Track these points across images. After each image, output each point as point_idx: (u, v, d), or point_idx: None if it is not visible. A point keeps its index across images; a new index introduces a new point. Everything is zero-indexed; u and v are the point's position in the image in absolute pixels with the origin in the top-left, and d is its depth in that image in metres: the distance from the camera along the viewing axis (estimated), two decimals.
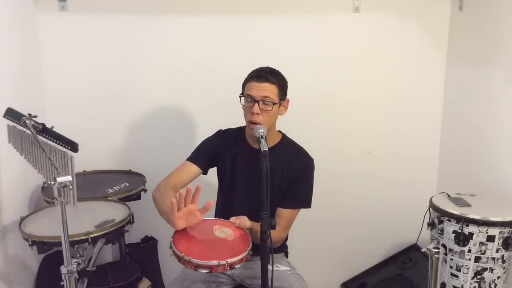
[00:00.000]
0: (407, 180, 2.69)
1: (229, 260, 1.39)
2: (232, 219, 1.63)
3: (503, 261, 1.86)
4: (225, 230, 1.58)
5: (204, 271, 1.39)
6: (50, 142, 1.46)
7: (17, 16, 2.06)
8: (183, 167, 1.83)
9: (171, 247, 1.47)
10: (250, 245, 1.49)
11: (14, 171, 1.95)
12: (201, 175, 1.86)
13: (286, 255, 1.99)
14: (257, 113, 1.67)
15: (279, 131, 1.88)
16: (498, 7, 2.17)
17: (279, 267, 1.81)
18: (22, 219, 1.81)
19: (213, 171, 1.91)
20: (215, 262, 1.38)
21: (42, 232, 1.68)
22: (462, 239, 1.83)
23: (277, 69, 1.76)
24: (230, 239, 1.54)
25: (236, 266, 1.43)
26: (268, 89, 1.69)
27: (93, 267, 1.79)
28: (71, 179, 1.33)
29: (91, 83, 2.36)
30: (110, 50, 2.36)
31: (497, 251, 1.83)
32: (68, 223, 1.39)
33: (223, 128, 1.93)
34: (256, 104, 1.67)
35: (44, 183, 1.86)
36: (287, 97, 1.79)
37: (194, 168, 1.82)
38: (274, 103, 1.70)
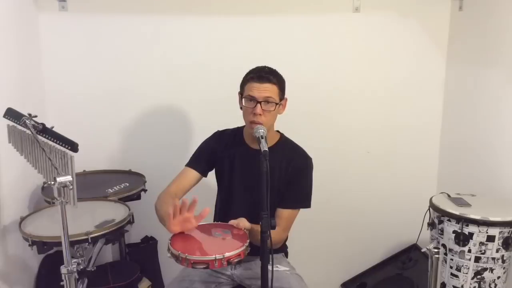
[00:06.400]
0: (407, 180, 2.69)
1: (226, 254, 1.39)
2: (231, 221, 1.63)
3: (503, 261, 1.86)
4: (223, 231, 1.59)
5: (201, 267, 1.39)
6: (50, 142, 1.46)
7: (17, 16, 2.06)
8: (182, 174, 1.83)
9: (168, 249, 1.47)
10: (248, 241, 1.49)
11: (14, 171, 1.95)
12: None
13: (286, 255, 1.98)
14: (260, 114, 1.68)
15: (277, 131, 1.88)
16: (498, 7, 2.17)
17: (278, 267, 1.80)
18: (22, 219, 1.81)
19: (212, 173, 1.90)
20: (211, 257, 1.38)
21: (42, 232, 1.68)
22: (462, 239, 1.83)
23: (274, 68, 1.76)
24: (228, 238, 1.54)
25: (233, 261, 1.42)
26: (270, 90, 1.69)
27: (93, 267, 1.79)
28: (71, 179, 1.33)
29: (91, 83, 2.36)
30: (110, 50, 2.36)
31: (497, 251, 1.83)
32: (68, 223, 1.38)
33: (221, 129, 1.93)
34: (259, 105, 1.68)
35: (44, 183, 1.85)
36: (286, 96, 1.79)
37: (193, 174, 1.82)
38: (276, 103, 1.70)
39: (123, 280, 2.08)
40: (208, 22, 2.39)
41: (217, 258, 1.38)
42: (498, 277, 1.88)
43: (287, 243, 1.97)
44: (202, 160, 1.86)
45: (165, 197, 1.75)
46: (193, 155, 1.89)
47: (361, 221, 2.71)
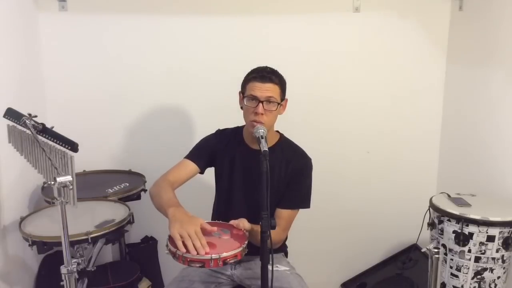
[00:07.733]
0: (407, 180, 2.69)
1: (222, 255, 1.39)
2: (232, 221, 1.63)
3: (503, 261, 1.86)
4: (222, 230, 1.59)
5: (197, 265, 1.39)
6: (50, 142, 1.46)
7: (17, 16, 2.06)
8: (181, 164, 1.83)
9: (167, 245, 1.47)
10: (246, 242, 1.49)
11: (14, 171, 1.95)
12: (198, 174, 1.85)
13: (286, 255, 1.98)
14: (262, 113, 1.68)
15: (277, 131, 1.88)
16: (498, 7, 2.18)
17: (278, 267, 1.80)
18: (22, 219, 1.81)
19: (209, 171, 1.90)
20: (207, 256, 1.38)
21: (42, 232, 1.68)
22: (462, 239, 1.84)
23: (275, 69, 1.76)
24: (226, 238, 1.54)
25: (229, 261, 1.42)
26: (272, 90, 1.69)
27: (93, 267, 1.79)
28: (71, 179, 1.33)
29: (91, 83, 2.36)
30: (110, 50, 2.36)
31: (497, 251, 1.83)
32: (68, 223, 1.39)
33: (221, 128, 1.93)
34: (261, 104, 1.68)
35: (44, 183, 1.86)
36: (286, 96, 1.79)
37: (192, 166, 1.82)
38: (278, 103, 1.71)
39: (123, 280, 2.08)
40: (208, 22, 2.39)
41: (212, 258, 1.38)
42: (498, 277, 1.88)
43: (287, 242, 1.97)
44: (203, 155, 1.85)
45: (163, 183, 1.73)
46: (194, 149, 1.89)
47: (361, 221, 2.71)
